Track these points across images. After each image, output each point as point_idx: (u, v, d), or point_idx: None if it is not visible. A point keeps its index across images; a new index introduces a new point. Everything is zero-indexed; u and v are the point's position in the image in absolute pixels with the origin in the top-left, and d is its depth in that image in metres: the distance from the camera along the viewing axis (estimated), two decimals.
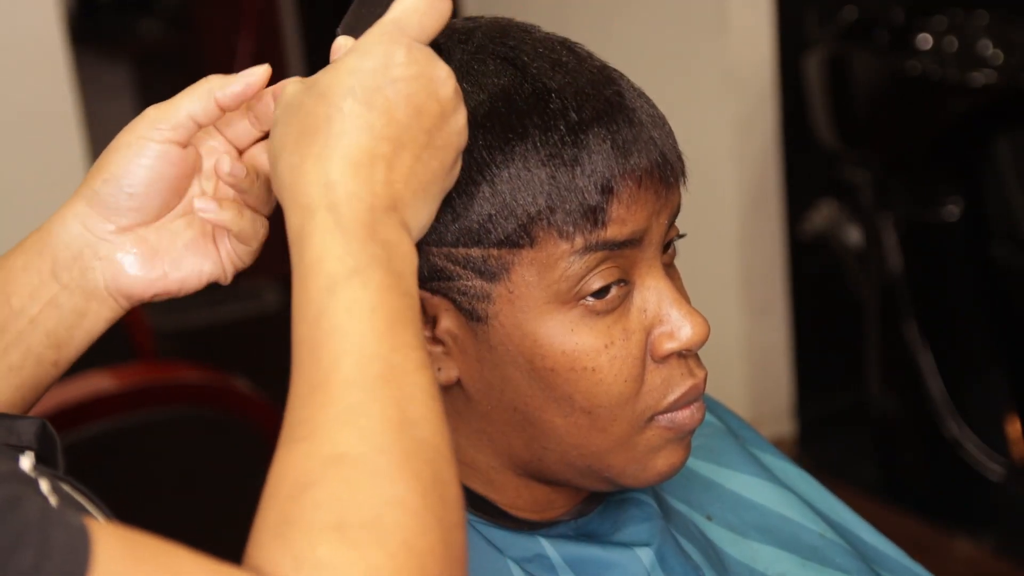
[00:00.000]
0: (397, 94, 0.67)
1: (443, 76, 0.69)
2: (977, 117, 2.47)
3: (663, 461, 0.81)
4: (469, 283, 0.76)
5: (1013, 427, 2.53)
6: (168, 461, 1.66)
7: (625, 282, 0.77)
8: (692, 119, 2.73)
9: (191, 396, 1.71)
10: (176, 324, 3.69)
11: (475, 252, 0.76)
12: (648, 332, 0.78)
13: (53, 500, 0.55)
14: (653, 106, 0.80)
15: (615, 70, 0.80)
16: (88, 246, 0.78)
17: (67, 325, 0.78)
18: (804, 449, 2.90)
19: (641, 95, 0.80)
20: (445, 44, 0.79)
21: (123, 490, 1.15)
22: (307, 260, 0.64)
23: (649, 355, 0.79)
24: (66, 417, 1.54)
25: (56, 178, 2.39)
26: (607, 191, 0.75)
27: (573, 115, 0.75)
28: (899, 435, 2.71)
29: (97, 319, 0.79)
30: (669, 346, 0.78)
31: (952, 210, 2.51)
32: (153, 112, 0.76)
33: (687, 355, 0.80)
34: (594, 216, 0.75)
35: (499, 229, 0.75)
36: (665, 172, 0.77)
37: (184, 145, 0.77)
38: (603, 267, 0.76)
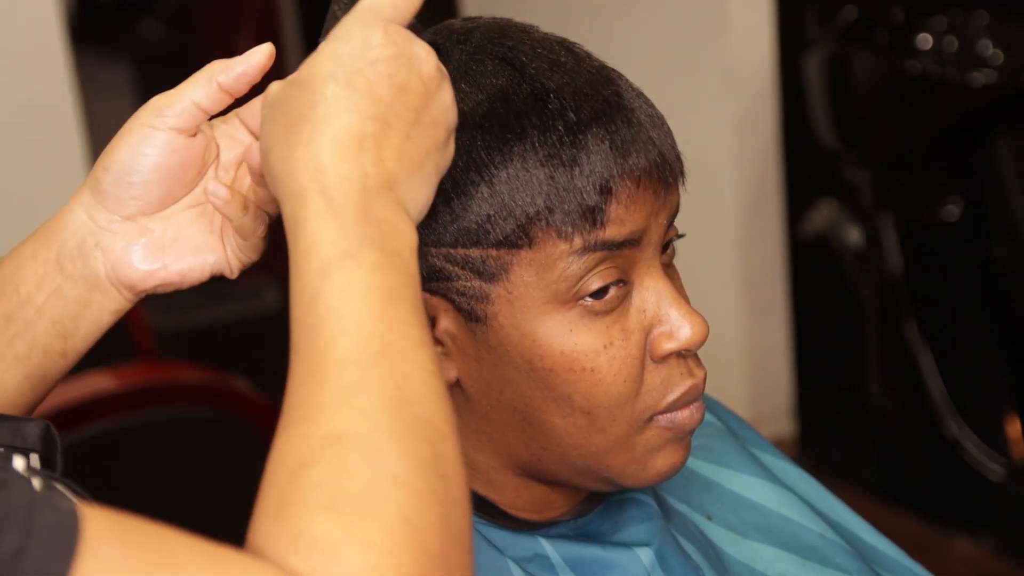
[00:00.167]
0: (378, 74, 0.66)
1: (423, 54, 0.69)
2: (977, 117, 2.47)
3: (663, 461, 0.81)
4: (468, 284, 0.76)
5: (1013, 427, 2.53)
6: (168, 461, 1.67)
7: (624, 282, 0.77)
8: (692, 119, 2.73)
9: (191, 396, 1.71)
10: (176, 324, 3.69)
11: (474, 252, 0.76)
12: (647, 332, 0.78)
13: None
14: (652, 106, 0.80)
15: (614, 70, 0.80)
16: (91, 235, 0.78)
17: (72, 315, 0.78)
18: (804, 449, 2.90)
19: (640, 95, 0.80)
20: (443, 44, 0.79)
21: (123, 490, 1.15)
22: (301, 246, 0.63)
23: (648, 355, 0.79)
24: (66, 417, 1.54)
25: (56, 178, 2.39)
26: (606, 191, 0.75)
27: (571, 115, 0.75)
28: (899, 435, 2.71)
29: (101, 310, 0.79)
30: (668, 346, 0.78)
31: (952, 210, 2.51)
32: (157, 100, 0.76)
33: (686, 355, 0.80)
34: (593, 216, 0.74)
35: (498, 229, 0.75)
36: (664, 172, 0.77)
37: (191, 134, 0.77)
38: (602, 267, 0.76)
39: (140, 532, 0.51)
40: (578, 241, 0.75)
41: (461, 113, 0.74)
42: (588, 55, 0.81)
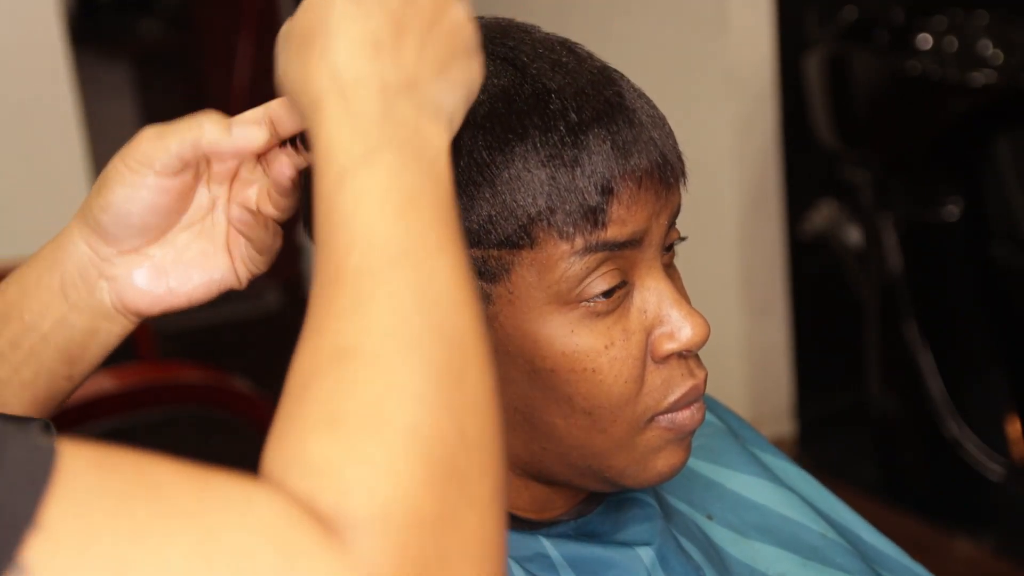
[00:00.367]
0: None
1: None
2: (977, 117, 2.47)
3: (663, 462, 0.81)
4: None
5: (1013, 427, 2.53)
6: None
7: (625, 283, 0.77)
8: (692, 119, 2.73)
9: (191, 396, 1.71)
10: (176, 324, 3.69)
11: (475, 253, 0.76)
12: (648, 333, 0.78)
13: None
14: (653, 106, 0.80)
15: (615, 70, 0.80)
16: (94, 266, 0.77)
17: (79, 343, 0.78)
18: (804, 449, 2.90)
19: (641, 95, 0.80)
20: None
21: None
22: (319, 154, 0.61)
23: (649, 356, 0.79)
24: (66, 417, 1.54)
25: (56, 178, 2.39)
26: (607, 192, 0.75)
27: (573, 116, 0.75)
28: (899, 435, 2.71)
29: (109, 335, 0.79)
30: (669, 347, 0.78)
31: (952, 210, 2.51)
32: (146, 145, 0.74)
33: (687, 355, 0.80)
34: (594, 217, 0.74)
35: (499, 230, 0.75)
36: (665, 173, 0.77)
37: (181, 171, 0.76)
38: (603, 268, 0.76)
39: (119, 460, 0.49)
40: (579, 241, 0.75)
41: None
42: (590, 55, 0.81)
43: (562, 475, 0.81)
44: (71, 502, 0.46)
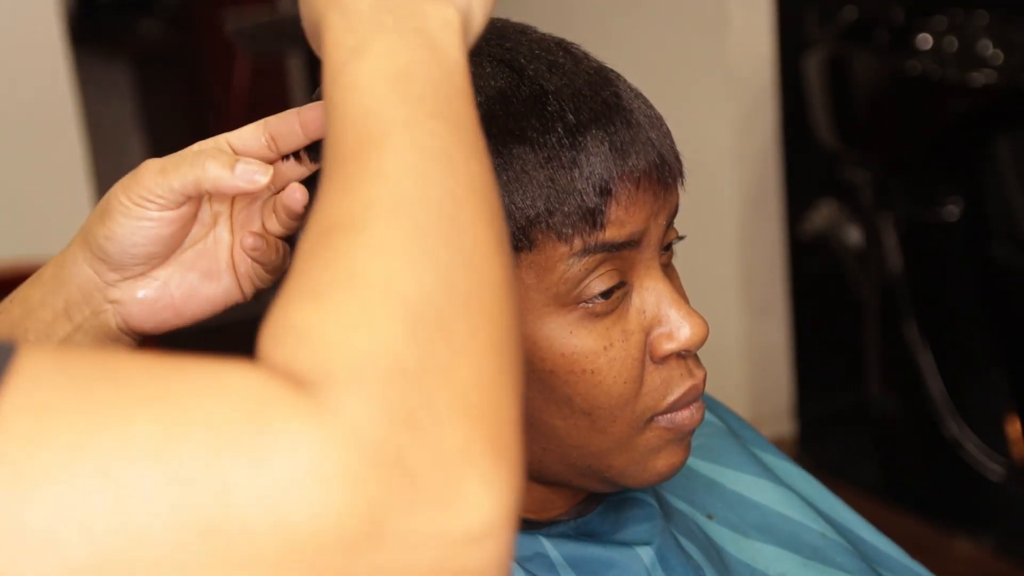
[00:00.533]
0: None
1: None
2: (977, 117, 2.47)
3: (663, 462, 0.81)
4: None
5: (1013, 427, 2.53)
6: None
7: (624, 284, 0.77)
8: (692, 119, 2.73)
9: None
10: None
11: None
12: (647, 333, 0.78)
13: None
14: (651, 107, 0.80)
15: (612, 71, 0.80)
16: (98, 290, 0.77)
17: None
18: (804, 449, 2.90)
19: (638, 96, 0.80)
20: None
21: None
22: (324, 62, 0.59)
23: (648, 356, 0.79)
24: None
25: (56, 178, 2.39)
26: (605, 193, 0.75)
27: (571, 117, 0.75)
28: (899, 435, 2.71)
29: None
30: (668, 347, 0.78)
31: (952, 210, 2.51)
32: (149, 181, 0.73)
33: (686, 355, 0.80)
34: (592, 218, 0.74)
35: None
36: (663, 173, 0.77)
37: (184, 203, 0.75)
38: (602, 269, 0.76)
39: (80, 354, 0.48)
40: (578, 243, 0.75)
41: None
42: (586, 56, 0.81)
43: (562, 476, 0.81)
44: (28, 389, 0.45)
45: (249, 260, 0.78)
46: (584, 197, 0.74)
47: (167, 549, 0.43)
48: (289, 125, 0.75)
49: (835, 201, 2.76)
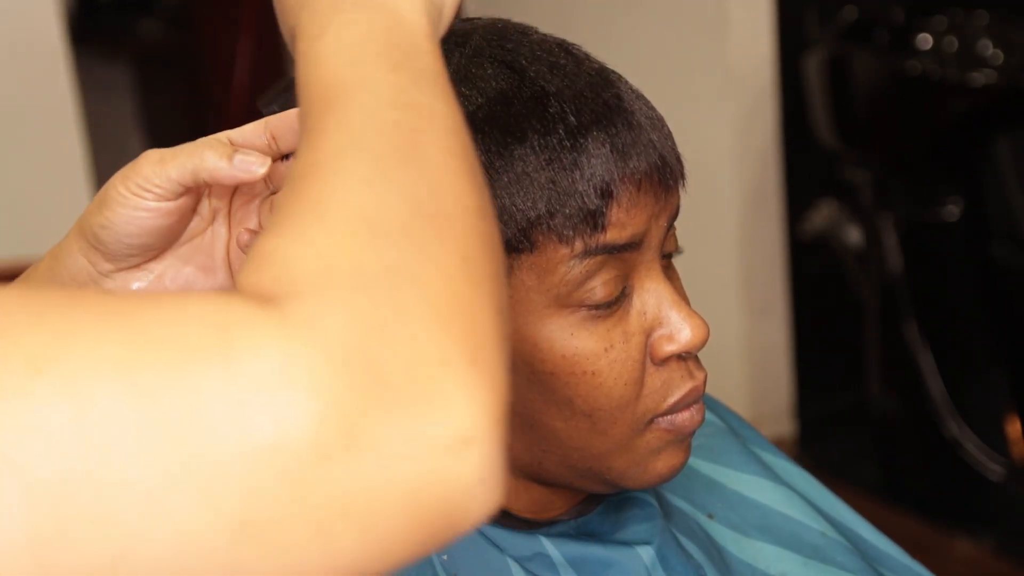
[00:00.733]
0: None
1: None
2: (977, 117, 2.48)
3: (663, 463, 0.81)
4: None
5: (1013, 427, 2.53)
6: None
7: (624, 286, 0.77)
8: (692, 119, 2.73)
9: None
10: None
11: None
12: (648, 334, 0.78)
13: None
14: (652, 108, 0.80)
15: (613, 72, 0.80)
16: (92, 281, 0.76)
17: None
18: (804, 449, 2.90)
19: (640, 97, 0.80)
20: (442, 47, 0.79)
21: None
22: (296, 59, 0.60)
23: (649, 358, 0.79)
24: None
25: (56, 178, 2.39)
26: (606, 195, 0.75)
27: (572, 119, 0.75)
28: (899, 435, 2.71)
29: None
30: (669, 348, 0.78)
31: (952, 210, 2.51)
32: (148, 170, 0.73)
33: (687, 357, 0.80)
34: (594, 220, 0.74)
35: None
36: (664, 175, 0.77)
37: (182, 194, 0.75)
38: (603, 271, 0.76)
39: (47, 287, 0.46)
40: (579, 245, 0.75)
41: None
42: (587, 56, 0.81)
43: (563, 477, 0.81)
44: None
45: (244, 257, 0.78)
46: (585, 199, 0.74)
47: (133, 461, 0.42)
48: (290, 124, 0.75)
49: (835, 201, 2.76)
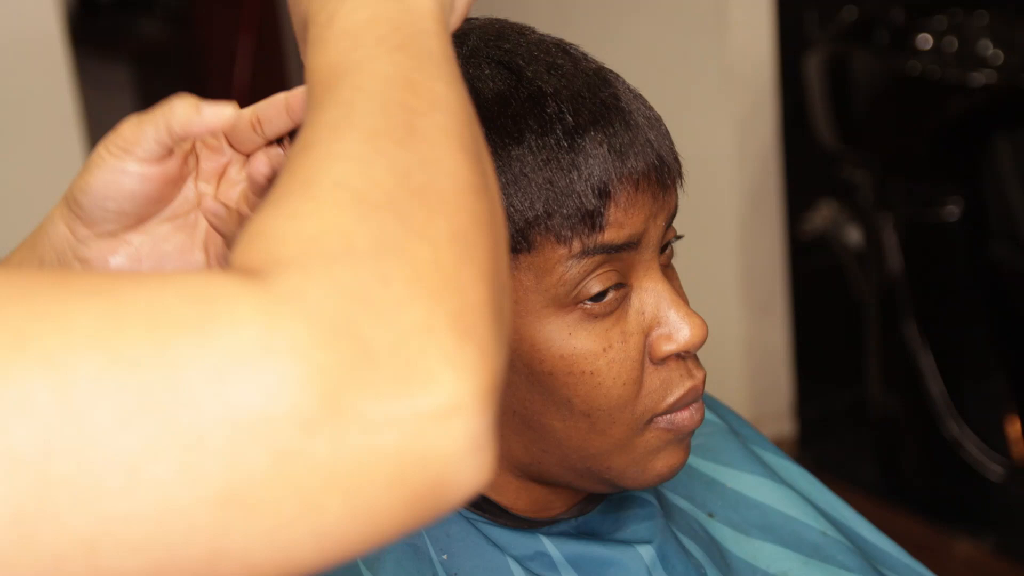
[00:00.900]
0: None
1: None
2: (977, 117, 2.47)
3: (662, 463, 0.81)
4: None
5: (1013, 427, 2.53)
6: None
7: (623, 285, 0.77)
8: (692, 119, 2.73)
9: None
10: None
11: None
12: (646, 334, 0.78)
13: None
14: (649, 108, 0.80)
15: (611, 72, 0.80)
16: (71, 248, 0.77)
17: None
18: (804, 449, 2.90)
19: (637, 97, 0.80)
20: None
21: None
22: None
23: (648, 357, 0.79)
24: None
25: (56, 178, 2.39)
26: (604, 195, 0.75)
27: (569, 119, 0.75)
28: (899, 435, 2.71)
29: None
30: (667, 348, 0.78)
31: (952, 210, 2.51)
32: (126, 131, 0.74)
33: (686, 356, 0.80)
34: (591, 220, 0.74)
35: None
36: (662, 175, 0.77)
37: (163, 159, 0.76)
38: (601, 271, 0.76)
39: (27, 267, 0.46)
40: (577, 245, 0.75)
41: None
42: (585, 56, 0.81)
43: (562, 477, 0.81)
44: None
45: (220, 242, 0.78)
46: (583, 199, 0.74)
47: (114, 434, 0.41)
48: (277, 108, 0.75)
49: (835, 201, 2.76)
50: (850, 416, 2.89)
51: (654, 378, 0.79)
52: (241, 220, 0.76)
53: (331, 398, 0.43)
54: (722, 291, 2.85)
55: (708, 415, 0.97)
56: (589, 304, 0.76)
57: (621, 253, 0.76)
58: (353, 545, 0.45)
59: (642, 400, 0.78)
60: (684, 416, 0.80)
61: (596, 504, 0.86)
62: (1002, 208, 2.53)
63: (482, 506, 0.82)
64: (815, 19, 2.70)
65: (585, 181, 0.74)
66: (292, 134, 0.76)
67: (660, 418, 0.80)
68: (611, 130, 0.76)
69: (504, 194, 0.74)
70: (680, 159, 0.80)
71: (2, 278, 0.45)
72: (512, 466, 0.81)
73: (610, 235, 0.75)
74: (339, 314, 0.44)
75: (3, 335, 0.42)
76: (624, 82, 0.80)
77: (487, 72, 0.77)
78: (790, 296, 2.90)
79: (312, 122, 0.53)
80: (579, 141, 0.75)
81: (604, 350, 0.77)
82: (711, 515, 0.92)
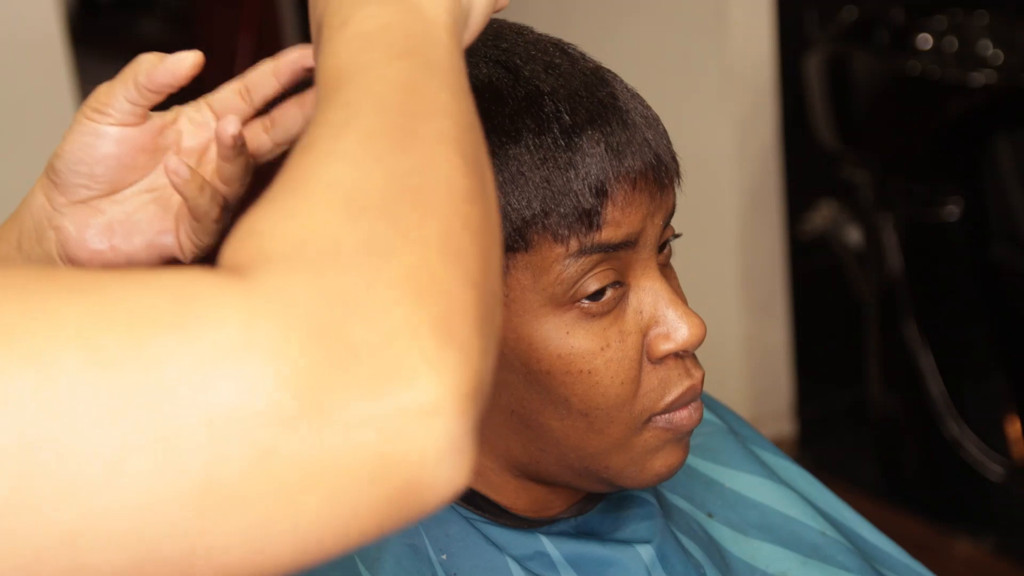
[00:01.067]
0: None
1: None
2: (977, 117, 2.48)
3: (661, 462, 0.81)
4: None
5: (1013, 427, 2.53)
6: None
7: (620, 284, 0.77)
8: (692, 119, 2.73)
9: None
10: None
11: None
12: (644, 333, 0.78)
13: None
14: (647, 107, 0.79)
15: (608, 71, 0.80)
16: (46, 216, 0.77)
17: None
18: (804, 449, 2.90)
19: (635, 96, 0.80)
20: None
21: None
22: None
23: (646, 356, 0.79)
24: None
25: None
26: (601, 194, 0.75)
27: (566, 118, 0.75)
28: (899, 435, 2.71)
29: None
30: (666, 347, 0.78)
31: (952, 210, 2.51)
32: (100, 94, 0.74)
33: (684, 356, 0.80)
34: (589, 219, 0.74)
35: None
36: (659, 174, 0.77)
37: (138, 123, 0.76)
38: (598, 269, 0.76)
39: (14, 265, 0.47)
40: (574, 244, 0.75)
41: None
42: (583, 56, 0.81)
43: (561, 477, 0.81)
44: None
45: (188, 217, 0.78)
46: (580, 198, 0.74)
47: (94, 428, 0.42)
48: (264, 73, 0.75)
49: (835, 201, 2.76)
50: (850, 416, 2.89)
51: (652, 377, 0.79)
52: (202, 185, 0.76)
53: (310, 396, 0.43)
54: (722, 291, 2.85)
55: (707, 415, 0.97)
56: (587, 303, 0.76)
57: (619, 252, 0.76)
58: (330, 544, 0.45)
59: (640, 399, 0.78)
60: (682, 415, 0.80)
61: (595, 504, 0.86)
62: (1002, 208, 2.53)
63: (481, 506, 0.82)
64: (815, 19, 2.70)
65: (582, 180, 0.74)
66: (278, 101, 0.77)
67: (658, 417, 0.79)
68: (608, 129, 0.76)
69: (501, 193, 0.74)
70: (678, 158, 0.80)
71: None
72: (511, 466, 0.81)
73: (607, 234, 0.75)
74: (320, 312, 0.44)
75: None
76: (622, 81, 0.80)
77: (484, 71, 0.77)
78: (790, 296, 2.91)
79: (316, 122, 0.54)
80: (576, 140, 0.75)
81: (602, 349, 0.77)
82: (710, 515, 0.92)
